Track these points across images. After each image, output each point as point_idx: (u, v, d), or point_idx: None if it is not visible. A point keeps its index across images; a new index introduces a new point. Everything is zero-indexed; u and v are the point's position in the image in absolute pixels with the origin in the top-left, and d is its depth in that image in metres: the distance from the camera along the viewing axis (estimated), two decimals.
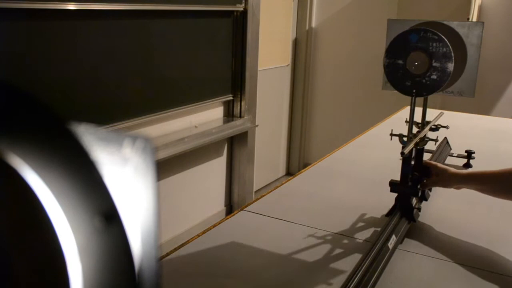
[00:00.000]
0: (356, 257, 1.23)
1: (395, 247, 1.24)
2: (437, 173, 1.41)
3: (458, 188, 1.39)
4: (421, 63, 1.28)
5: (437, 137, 1.48)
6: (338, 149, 2.17)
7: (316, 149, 4.46)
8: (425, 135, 1.42)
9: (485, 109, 3.76)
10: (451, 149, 2.04)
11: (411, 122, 1.37)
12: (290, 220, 1.44)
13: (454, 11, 3.51)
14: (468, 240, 1.35)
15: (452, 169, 1.40)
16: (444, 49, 1.26)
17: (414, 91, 1.30)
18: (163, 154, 2.51)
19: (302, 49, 4.29)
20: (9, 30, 1.88)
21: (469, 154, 1.93)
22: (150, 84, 2.53)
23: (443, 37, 1.26)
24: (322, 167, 1.94)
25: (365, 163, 1.99)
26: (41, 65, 2.01)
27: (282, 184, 1.75)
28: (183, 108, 2.77)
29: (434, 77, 1.28)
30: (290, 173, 4.49)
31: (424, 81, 1.29)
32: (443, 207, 1.56)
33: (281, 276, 1.16)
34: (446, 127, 1.57)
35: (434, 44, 1.27)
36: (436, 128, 1.50)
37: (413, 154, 1.42)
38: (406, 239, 1.33)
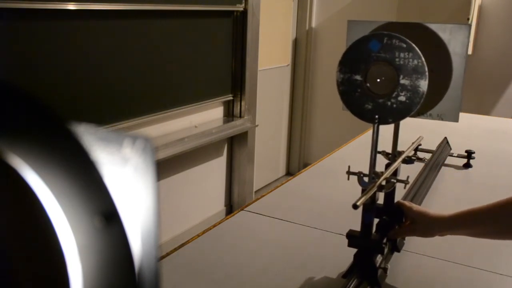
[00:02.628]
0: None
1: None
2: (414, 218, 1.07)
3: (442, 235, 1.07)
4: (385, 80, 0.98)
5: (408, 177, 1.07)
6: (338, 149, 2.17)
7: (316, 149, 4.46)
8: (395, 170, 1.09)
9: (485, 109, 3.76)
10: (451, 149, 2.04)
11: (373, 157, 1.04)
12: (290, 220, 1.44)
13: (454, 11, 3.51)
14: (468, 240, 1.35)
15: (432, 212, 1.05)
16: (416, 62, 0.95)
17: (376, 116, 1.00)
18: (163, 154, 2.51)
19: (302, 49, 4.29)
20: (9, 30, 1.88)
21: (469, 154, 1.93)
22: (150, 84, 2.53)
23: (413, 45, 0.95)
24: (322, 167, 1.94)
25: (365, 163, 1.99)
26: (41, 65, 2.01)
27: (282, 184, 1.75)
28: (183, 108, 2.77)
29: (402, 98, 0.97)
30: (290, 173, 4.49)
31: (389, 103, 0.98)
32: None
33: (281, 276, 1.16)
34: (423, 160, 1.33)
35: (402, 55, 0.96)
36: (410, 161, 1.20)
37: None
38: None
